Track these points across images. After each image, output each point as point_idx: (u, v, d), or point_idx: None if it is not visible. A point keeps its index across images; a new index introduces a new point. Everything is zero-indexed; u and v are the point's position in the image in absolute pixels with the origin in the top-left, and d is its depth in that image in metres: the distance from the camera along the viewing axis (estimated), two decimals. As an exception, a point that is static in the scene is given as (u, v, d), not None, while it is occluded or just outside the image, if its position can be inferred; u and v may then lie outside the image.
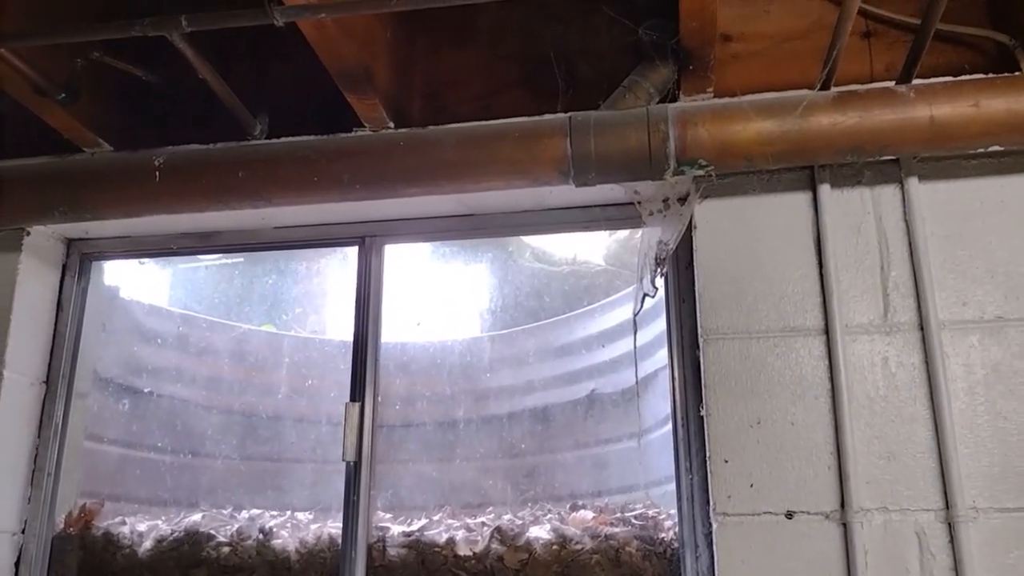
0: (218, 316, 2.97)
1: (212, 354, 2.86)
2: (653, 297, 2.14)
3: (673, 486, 2.40)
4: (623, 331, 2.99)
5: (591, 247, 3.38)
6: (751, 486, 1.93)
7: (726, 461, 1.96)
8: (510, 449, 2.54)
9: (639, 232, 3.23)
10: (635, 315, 2.16)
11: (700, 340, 2.07)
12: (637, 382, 2.25)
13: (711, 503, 1.96)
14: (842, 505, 1.88)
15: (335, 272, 2.92)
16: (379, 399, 2.37)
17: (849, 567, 1.84)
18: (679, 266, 2.23)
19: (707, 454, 1.99)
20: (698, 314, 2.10)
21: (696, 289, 2.11)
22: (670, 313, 2.24)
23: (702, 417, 2.09)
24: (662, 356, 2.67)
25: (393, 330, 2.58)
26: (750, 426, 1.97)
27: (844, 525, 1.87)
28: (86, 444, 2.60)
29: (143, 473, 2.57)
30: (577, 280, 3.33)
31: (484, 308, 3.34)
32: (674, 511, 2.22)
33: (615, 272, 3.29)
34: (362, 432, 2.30)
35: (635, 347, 2.21)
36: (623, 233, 3.33)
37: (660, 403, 2.79)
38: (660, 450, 2.67)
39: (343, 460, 2.29)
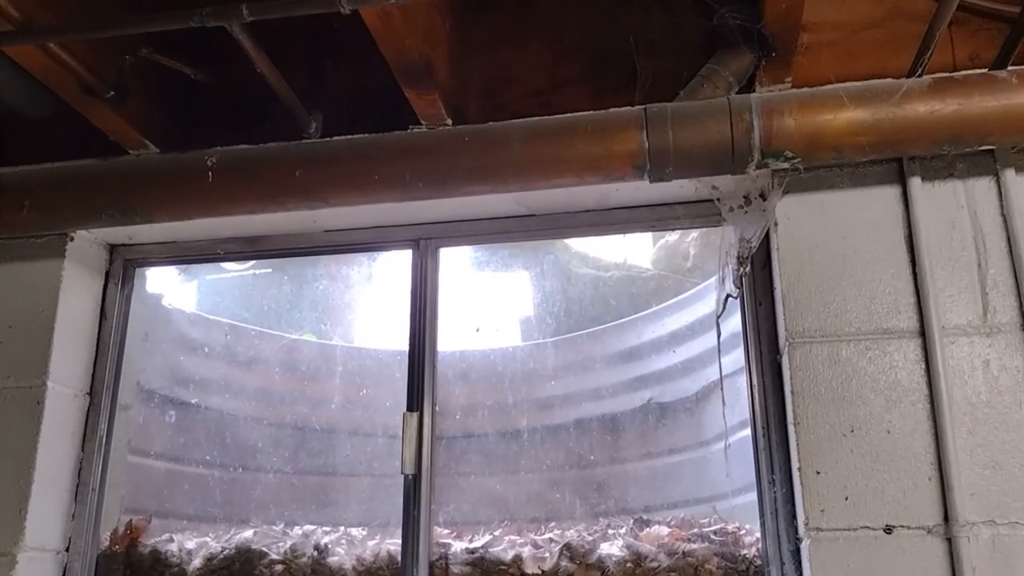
0: (263, 325, 2.87)
1: (260, 364, 2.76)
2: (736, 298, 2.03)
3: (744, 499, 2.29)
4: (683, 336, 2.89)
5: (639, 252, 3.29)
6: (846, 499, 1.81)
7: (818, 472, 1.84)
8: (577, 460, 2.42)
9: (689, 236, 3.14)
10: (718, 317, 2.04)
11: (784, 344, 1.95)
12: (722, 386, 2.13)
13: (802, 518, 1.84)
14: (946, 519, 1.75)
15: (387, 277, 2.83)
16: (437, 408, 2.26)
17: (956, 586, 1.71)
18: (754, 267, 2.11)
19: (796, 465, 1.87)
20: (780, 316, 1.98)
21: (778, 290, 1.99)
22: (746, 316, 2.12)
23: (785, 425, 1.98)
24: (728, 362, 2.57)
25: (449, 337, 2.47)
26: (843, 435, 1.85)
27: (949, 540, 1.74)
28: (130, 458, 2.50)
29: (191, 488, 2.46)
30: (628, 285, 3.23)
31: (538, 314, 3.26)
32: (750, 525, 2.11)
33: (665, 277, 3.19)
34: (421, 443, 2.19)
35: (719, 349, 2.10)
36: (672, 237, 3.24)
37: (727, 411, 2.67)
38: (730, 462, 2.55)
39: (401, 473, 2.18)
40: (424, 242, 2.37)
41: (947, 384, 1.82)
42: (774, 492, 1.98)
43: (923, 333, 1.87)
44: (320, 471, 2.42)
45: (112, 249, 2.50)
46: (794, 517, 1.93)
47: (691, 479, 2.70)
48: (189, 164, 2.07)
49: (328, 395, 2.66)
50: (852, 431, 1.85)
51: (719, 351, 2.09)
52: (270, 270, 3.34)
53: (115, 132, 2.21)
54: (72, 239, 2.35)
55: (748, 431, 2.51)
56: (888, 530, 1.77)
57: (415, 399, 2.24)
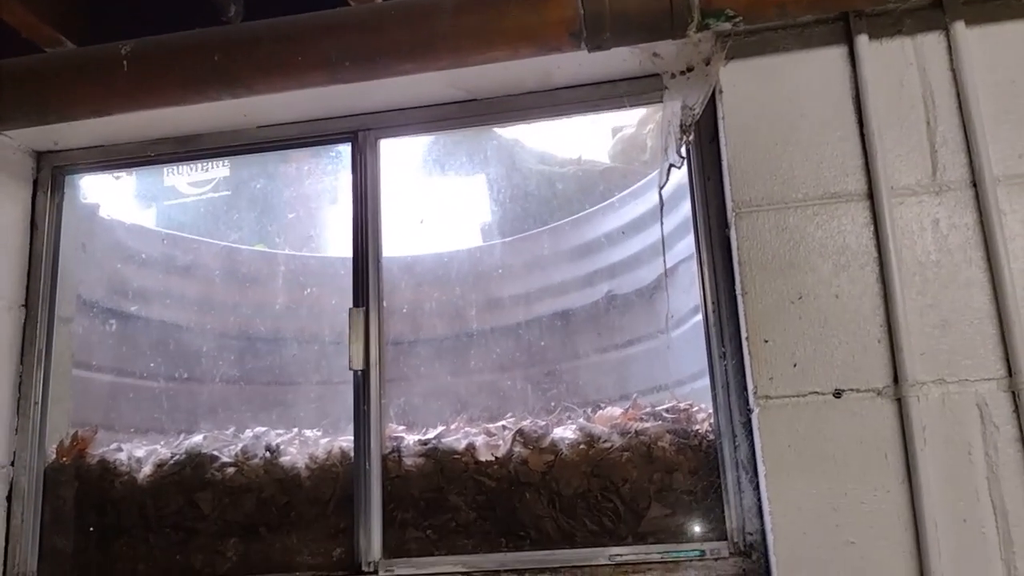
0: (207, 235, 2.79)
1: (203, 274, 2.69)
2: (679, 168, 1.96)
3: (700, 384, 2.28)
4: (639, 225, 2.84)
5: (596, 146, 3.21)
6: (794, 366, 1.78)
7: (766, 341, 1.80)
8: (527, 356, 2.37)
9: (647, 128, 3.06)
10: (660, 188, 1.98)
11: (731, 215, 1.90)
12: (665, 264, 2.08)
13: (751, 387, 1.81)
14: (895, 380, 1.73)
15: (328, 183, 2.74)
16: (384, 304, 2.20)
17: (906, 445, 1.70)
18: (702, 141, 2.05)
19: (744, 335, 1.83)
20: (727, 188, 1.93)
21: (724, 160, 1.93)
22: (694, 193, 2.06)
23: (735, 299, 1.94)
24: (680, 249, 2.53)
25: (395, 242, 2.39)
26: (791, 302, 1.81)
27: (899, 401, 1.72)
28: (75, 372, 2.44)
29: (137, 399, 2.41)
30: (585, 181, 3.16)
31: (489, 216, 3.19)
32: (705, 404, 2.09)
33: (622, 170, 3.12)
34: (368, 338, 2.14)
35: (661, 223, 2.04)
36: (630, 130, 3.15)
37: (679, 299, 2.65)
38: (683, 348, 2.53)
39: (350, 369, 2.13)
40: (362, 134, 2.28)
41: (896, 245, 1.78)
42: (724, 366, 1.96)
43: (871, 195, 1.82)
44: (268, 375, 2.37)
45: (38, 156, 2.39)
46: (745, 389, 1.91)
47: (647, 369, 2.68)
48: (102, 55, 1.95)
49: (272, 301, 2.59)
50: (800, 298, 1.81)
51: (662, 224, 2.04)
52: (228, 192, 3.25)
53: (25, 28, 2.09)
54: (-8, 146, 2.25)
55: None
56: (837, 394, 1.75)
57: (360, 295, 2.18)
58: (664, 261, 2.10)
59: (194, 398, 2.29)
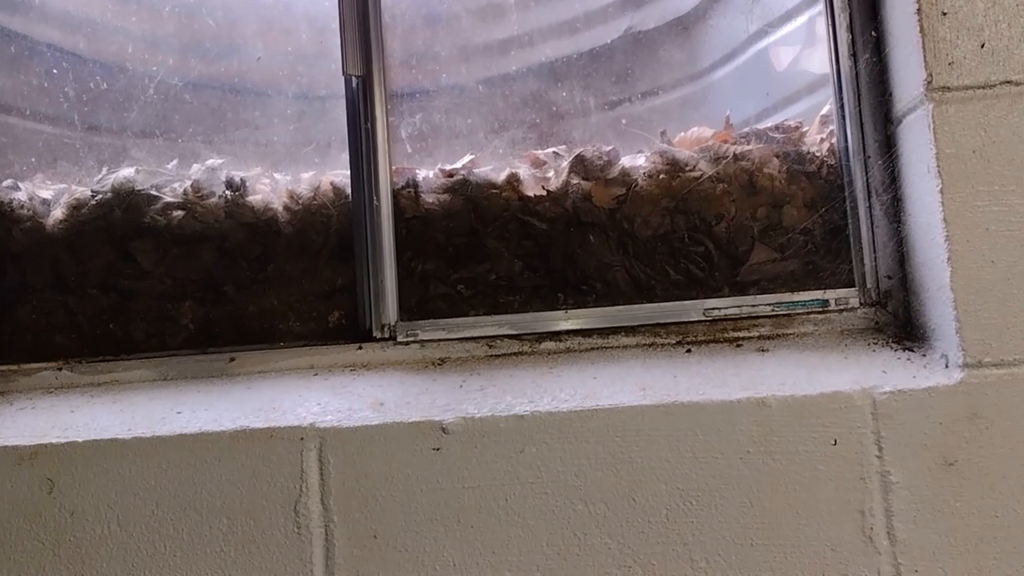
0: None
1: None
2: None
3: (774, 119, 1.85)
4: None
5: None
6: (982, 47, 1.32)
7: (944, 13, 1.33)
8: (540, 114, 1.80)
9: None
10: None
11: None
12: None
13: (922, 76, 1.34)
14: (1115, 63, 1.30)
15: None
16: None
17: None
18: None
19: (914, 7, 1.35)
20: None
21: None
22: None
23: (874, -23, 1.46)
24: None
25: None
26: (978, -40, 1.34)
27: (1120, 91, 1.30)
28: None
29: (33, 131, 1.73)
30: None
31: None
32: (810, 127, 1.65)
33: None
34: (368, 32, 1.56)
35: None
36: None
37: (736, 21, 2.16)
38: (750, 80, 2.07)
39: (344, 74, 1.56)
40: None
41: None
42: (857, 67, 1.49)
43: None
44: (220, 91, 1.72)
45: None
46: (883, 95, 1.46)
47: (692, 118, 2.20)
48: None
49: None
50: (991, -44, 1.34)
51: None
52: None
53: None
54: None
55: (764, 41, 2.03)
56: (1038, 84, 1.32)
57: (353, -25, 1.58)
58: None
59: (118, 120, 1.61)
